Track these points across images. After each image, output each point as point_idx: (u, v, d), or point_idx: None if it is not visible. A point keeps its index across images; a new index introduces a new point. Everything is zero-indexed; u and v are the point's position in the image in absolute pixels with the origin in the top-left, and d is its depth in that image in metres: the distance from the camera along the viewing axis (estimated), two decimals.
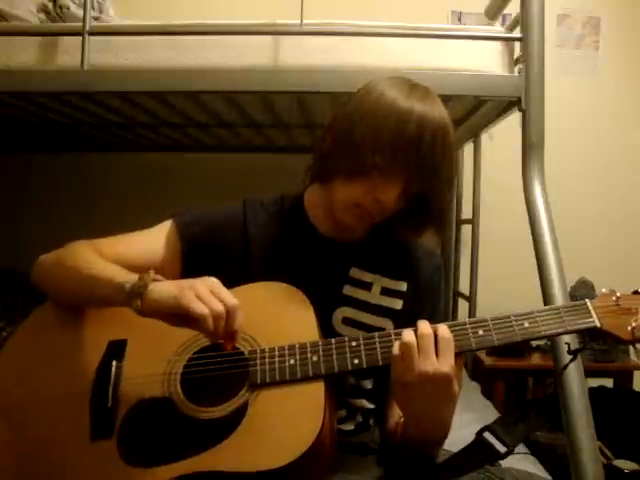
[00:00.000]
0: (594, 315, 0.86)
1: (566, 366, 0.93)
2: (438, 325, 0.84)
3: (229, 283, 0.95)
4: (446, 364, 0.80)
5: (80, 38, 1.47)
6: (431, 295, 1.06)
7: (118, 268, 0.89)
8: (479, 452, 0.87)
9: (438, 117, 0.90)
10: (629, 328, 0.85)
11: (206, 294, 0.79)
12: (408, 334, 0.82)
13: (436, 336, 0.82)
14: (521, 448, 1.47)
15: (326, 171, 0.98)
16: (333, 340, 0.88)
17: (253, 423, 0.81)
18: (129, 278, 0.84)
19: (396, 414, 0.98)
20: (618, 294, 0.88)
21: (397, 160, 0.89)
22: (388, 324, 1.00)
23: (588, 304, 0.87)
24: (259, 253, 1.00)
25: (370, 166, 0.90)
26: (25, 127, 2.12)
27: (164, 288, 0.82)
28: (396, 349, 0.82)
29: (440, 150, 0.89)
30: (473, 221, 2.40)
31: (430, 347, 0.81)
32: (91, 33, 1.47)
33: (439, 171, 0.91)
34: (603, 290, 0.90)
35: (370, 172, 0.90)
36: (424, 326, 0.83)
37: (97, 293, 0.88)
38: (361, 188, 0.92)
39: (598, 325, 0.86)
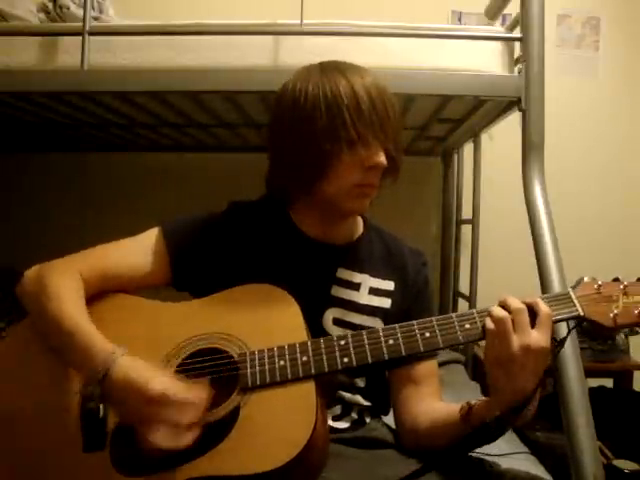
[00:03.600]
0: (577, 304, 0.87)
1: (555, 355, 0.93)
2: (536, 299, 0.84)
3: (218, 286, 0.96)
4: (545, 337, 0.81)
5: (80, 38, 1.47)
6: (420, 292, 1.07)
7: (90, 340, 0.84)
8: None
9: (374, 80, 0.95)
10: (611, 315, 0.87)
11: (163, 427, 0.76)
12: (498, 309, 0.83)
13: (533, 311, 0.83)
14: (521, 448, 1.47)
15: (303, 181, 0.97)
16: (322, 339, 0.88)
17: (246, 426, 0.81)
18: (94, 366, 0.80)
19: (412, 411, 0.98)
20: (599, 282, 0.90)
21: (370, 126, 0.91)
22: (378, 323, 1.00)
23: (571, 293, 0.89)
24: (247, 255, 1.00)
25: (350, 143, 0.92)
26: (25, 127, 2.12)
27: (117, 405, 0.79)
28: (490, 324, 0.82)
29: (390, 103, 0.94)
30: (473, 221, 2.40)
31: (526, 321, 0.81)
32: (91, 33, 1.48)
33: (398, 121, 0.96)
34: (585, 279, 0.91)
35: (352, 149, 0.92)
36: (515, 301, 0.83)
37: (68, 361, 0.86)
38: (352, 169, 0.93)
39: (582, 314, 0.87)
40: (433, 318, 0.88)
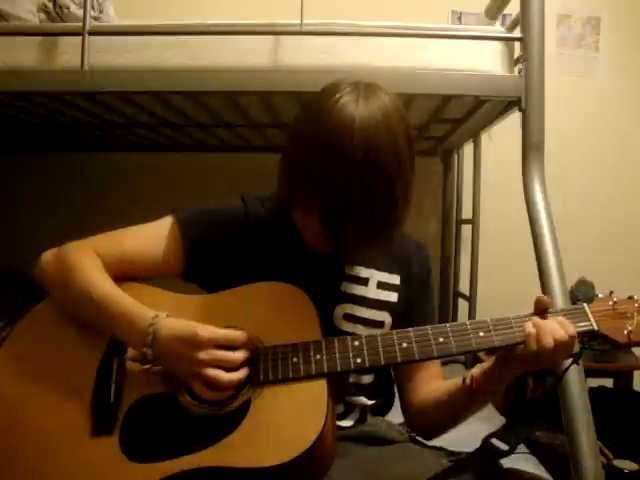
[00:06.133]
0: (592, 319, 0.88)
1: (566, 370, 0.94)
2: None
3: (229, 280, 0.97)
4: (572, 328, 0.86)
5: (80, 38, 1.47)
6: (423, 284, 1.08)
7: (129, 306, 0.89)
8: (485, 455, 0.89)
9: (330, 133, 0.83)
10: (625, 332, 0.88)
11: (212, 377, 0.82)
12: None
13: None
14: (521, 448, 1.47)
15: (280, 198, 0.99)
16: (335, 339, 0.89)
17: (256, 420, 0.82)
18: (141, 331, 0.85)
19: (420, 391, 1.02)
20: (615, 298, 0.90)
21: (301, 189, 0.87)
22: (386, 317, 1.02)
23: (586, 308, 0.89)
24: (258, 251, 1.00)
25: (288, 198, 0.91)
26: (25, 127, 2.12)
27: (169, 361, 0.85)
28: (531, 327, 0.86)
29: (346, 169, 0.82)
30: (473, 221, 2.40)
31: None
32: (91, 33, 1.47)
33: (352, 190, 0.83)
34: (600, 295, 0.92)
35: (292, 204, 0.92)
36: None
37: (107, 328, 0.90)
38: (296, 215, 0.93)
39: (596, 329, 0.88)
40: (447, 324, 0.90)
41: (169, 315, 0.87)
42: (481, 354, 2.30)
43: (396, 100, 0.90)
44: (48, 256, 0.98)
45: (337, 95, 0.86)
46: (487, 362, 0.92)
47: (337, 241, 0.88)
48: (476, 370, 0.93)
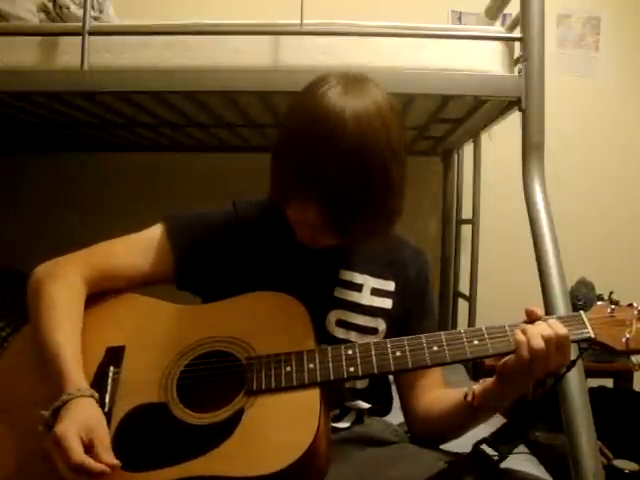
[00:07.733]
0: (589, 326, 0.87)
1: (563, 375, 0.94)
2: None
3: (221, 287, 0.97)
4: (562, 328, 0.84)
5: (80, 38, 1.47)
6: (422, 292, 1.07)
7: (73, 370, 0.84)
8: (476, 462, 0.88)
9: (326, 127, 0.83)
10: (623, 339, 0.87)
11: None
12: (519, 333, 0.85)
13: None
14: (521, 448, 1.47)
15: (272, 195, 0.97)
16: (329, 348, 0.88)
17: (248, 428, 0.81)
18: (59, 396, 0.81)
19: (425, 399, 1.01)
20: (613, 306, 0.90)
21: (297, 182, 0.86)
22: (380, 323, 1.00)
23: (583, 316, 0.89)
24: (250, 257, 1.00)
25: (282, 195, 0.90)
26: (25, 127, 2.12)
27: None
28: (520, 334, 0.84)
29: (341, 157, 0.83)
30: (473, 221, 2.40)
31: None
32: (91, 33, 1.48)
33: (349, 178, 0.83)
34: (599, 302, 0.91)
35: (286, 198, 0.90)
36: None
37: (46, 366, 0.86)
38: (290, 212, 0.92)
39: (592, 336, 0.87)
40: (442, 332, 0.89)
41: (89, 396, 0.82)
42: None
43: (384, 91, 0.90)
44: (38, 272, 0.96)
45: (325, 87, 0.86)
46: (490, 378, 0.90)
47: (340, 225, 0.88)
48: (477, 386, 0.92)
